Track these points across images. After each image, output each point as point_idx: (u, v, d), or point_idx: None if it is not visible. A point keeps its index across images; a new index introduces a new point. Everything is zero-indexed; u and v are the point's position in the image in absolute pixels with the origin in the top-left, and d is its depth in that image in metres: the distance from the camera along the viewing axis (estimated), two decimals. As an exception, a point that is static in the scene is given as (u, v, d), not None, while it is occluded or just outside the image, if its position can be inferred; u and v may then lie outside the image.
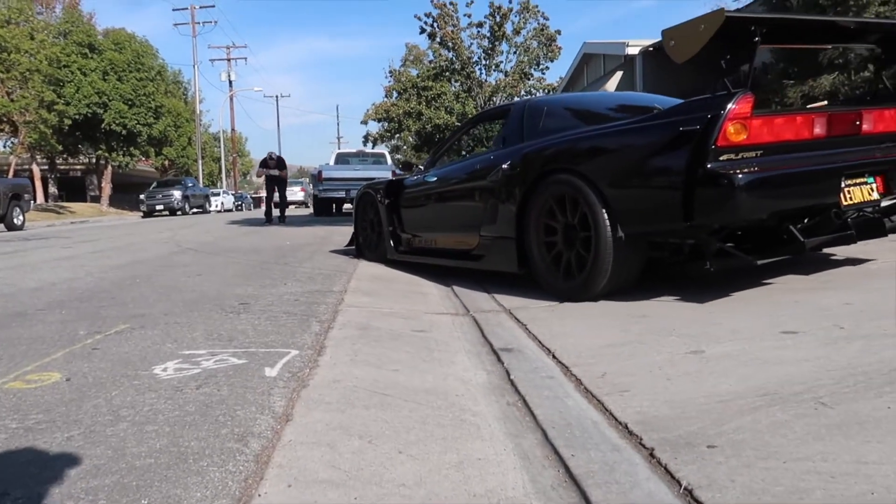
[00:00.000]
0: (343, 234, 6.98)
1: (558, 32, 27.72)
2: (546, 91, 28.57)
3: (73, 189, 42.59)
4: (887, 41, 4.11)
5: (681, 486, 1.51)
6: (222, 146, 46.50)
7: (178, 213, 28.86)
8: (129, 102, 32.28)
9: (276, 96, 56.03)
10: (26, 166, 37.99)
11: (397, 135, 33.50)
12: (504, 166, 4.28)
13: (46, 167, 38.10)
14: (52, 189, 37.94)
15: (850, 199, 3.45)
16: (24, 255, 7.58)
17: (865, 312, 2.84)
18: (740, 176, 3.06)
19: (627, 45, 18.07)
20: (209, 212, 32.71)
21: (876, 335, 2.49)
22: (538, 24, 27.44)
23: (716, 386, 2.13)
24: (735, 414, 1.88)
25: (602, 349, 2.68)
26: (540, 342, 2.87)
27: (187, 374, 2.29)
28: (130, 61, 32.53)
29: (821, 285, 3.56)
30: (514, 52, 27.78)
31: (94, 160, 37.66)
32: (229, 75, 43.88)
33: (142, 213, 29.81)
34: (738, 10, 3.69)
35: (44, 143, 33.19)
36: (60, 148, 34.21)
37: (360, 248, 6.31)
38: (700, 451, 1.66)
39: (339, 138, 65.12)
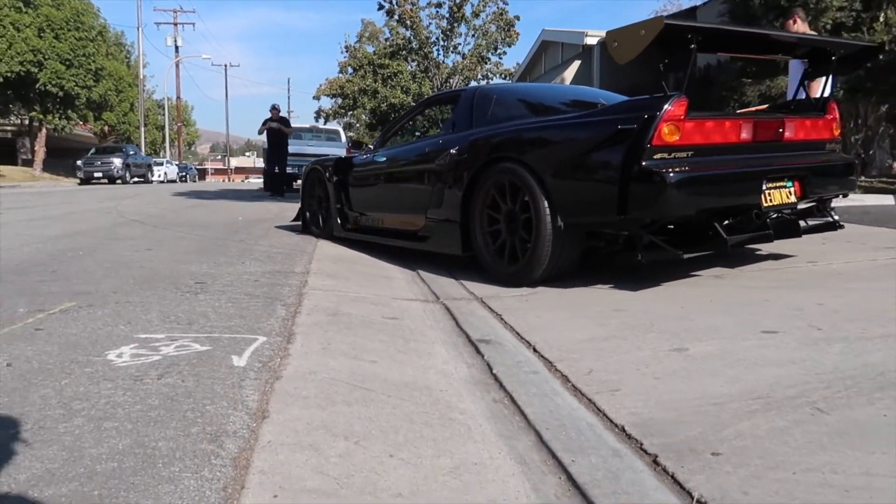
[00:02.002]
0: (295, 210, 6.72)
1: (517, 18, 27.67)
2: (503, 76, 28.53)
3: (2, 152, 40.36)
4: (814, 55, 4.37)
5: (692, 497, 1.44)
6: (166, 114, 44.79)
7: (118, 181, 27.69)
8: (67, 62, 30.65)
9: (225, 65, 54.27)
10: (-49, 125, 35.74)
11: (351, 112, 32.90)
12: (452, 151, 4.38)
13: (-26, 127, 35.94)
14: (-20, 151, 35.82)
15: (771, 201, 3.66)
16: (-49, 221, 7.06)
17: (840, 313, 2.84)
18: (671, 174, 3.24)
19: (586, 35, 18.13)
20: (151, 182, 31.52)
21: (854, 337, 2.49)
22: (497, 8, 27.33)
23: (707, 387, 2.07)
24: (732, 418, 1.82)
25: (583, 344, 2.61)
26: (518, 334, 2.77)
27: (146, 362, 2.09)
28: (69, 19, 30.85)
29: (784, 283, 3.58)
30: (473, 35, 27.58)
31: (26, 122, 35.71)
32: (175, 40, 42.17)
33: (79, 180, 28.47)
34: (675, 17, 3.89)
35: (-29, 101, 31.25)
36: (-10, 107, 32.29)
37: (307, 223, 6.32)
38: (705, 458, 1.59)
39: (289, 112, 63.62)
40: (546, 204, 3.62)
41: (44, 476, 1.34)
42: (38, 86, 30.35)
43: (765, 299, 3.23)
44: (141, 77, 37.62)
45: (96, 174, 27.95)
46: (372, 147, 5.84)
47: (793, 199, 3.78)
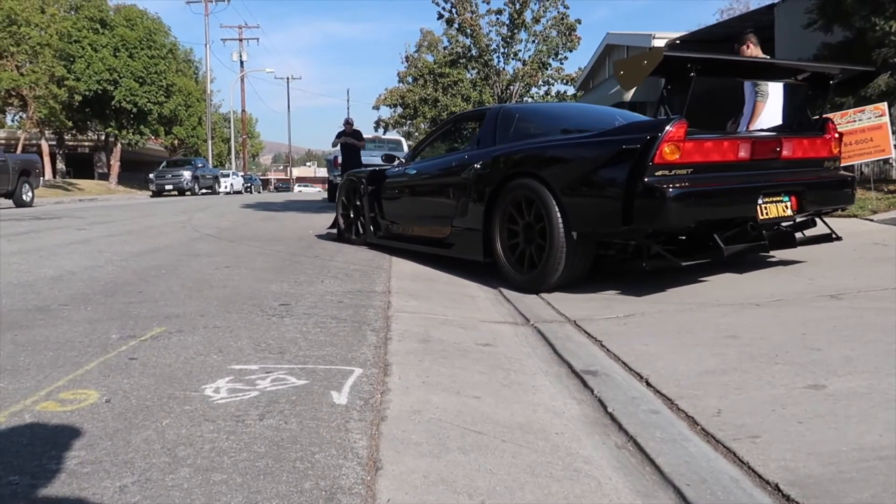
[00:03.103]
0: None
1: (578, 22, 27.22)
2: (564, 82, 28.13)
3: (80, 165, 42.31)
4: (815, 80, 4.64)
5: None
6: (232, 127, 46.09)
7: (188, 193, 28.58)
8: (140, 80, 31.90)
9: (287, 78, 55.43)
10: (35, 141, 37.69)
11: (410, 121, 33.06)
12: (476, 165, 4.73)
13: (55, 143, 37.79)
14: (60, 165, 37.66)
15: (767, 214, 3.93)
16: (39, 237, 7.29)
17: None
18: (671, 189, 3.54)
19: (654, 38, 17.63)
20: (218, 193, 32.41)
21: None
22: (558, 12, 26.96)
23: (862, 435, 1.83)
24: (907, 477, 1.58)
25: (703, 377, 2.38)
26: (627, 365, 2.57)
27: (244, 399, 1.99)
28: (142, 38, 32.11)
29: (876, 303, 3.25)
30: (533, 41, 27.32)
31: (103, 137, 37.35)
32: (241, 55, 43.40)
33: (151, 193, 29.53)
34: (677, 48, 4.29)
35: (53, 118, 32.86)
36: (70, 124, 33.90)
37: (341, 231, 6.78)
38: (893, 533, 1.36)
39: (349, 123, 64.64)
40: (560, 216, 3.92)
41: (157, 543, 1.23)
42: (113, 103, 31.68)
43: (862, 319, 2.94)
44: (208, 92, 38.82)
45: (167, 186, 28.91)
46: (404, 160, 6.24)
47: (789, 212, 4.06)
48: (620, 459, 1.80)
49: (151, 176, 29.93)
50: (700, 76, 3.83)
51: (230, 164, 45.99)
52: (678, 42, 17.25)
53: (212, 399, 1.99)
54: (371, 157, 15.35)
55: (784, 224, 4.25)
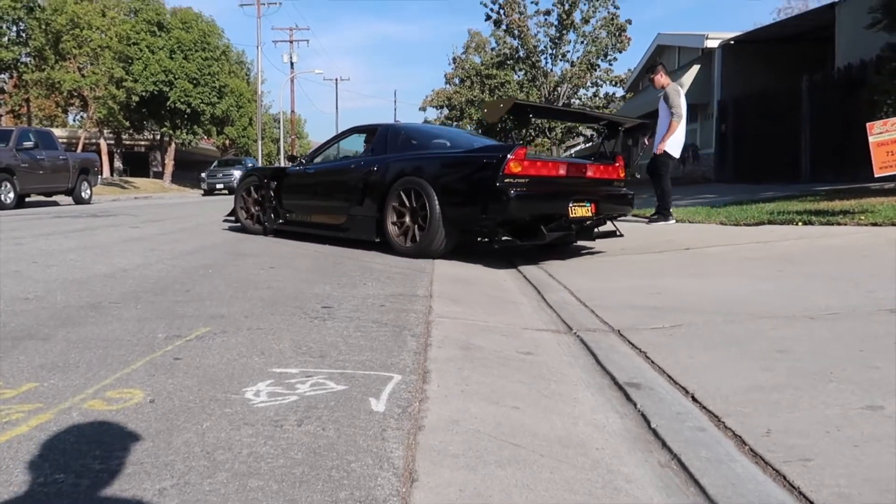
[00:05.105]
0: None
1: (629, 22, 26.79)
2: (614, 83, 27.73)
3: (136, 164, 43.70)
4: (608, 126, 6.69)
5: None
6: (282, 127, 46.93)
7: (238, 192, 29.13)
8: (195, 81, 32.75)
9: (336, 79, 56.18)
10: (94, 140, 39.07)
11: (457, 123, 33.07)
12: (374, 168, 6.27)
13: (113, 142, 39.11)
14: (118, 163, 38.95)
15: (575, 214, 5.51)
16: (94, 234, 7.53)
17: None
18: (514, 192, 5.11)
19: (707, 38, 17.20)
20: (267, 192, 32.92)
21: None
22: (608, 12, 26.57)
23: (925, 462, 1.72)
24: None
25: (751, 393, 2.29)
26: (672, 378, 2.49)
27: (283, 403, 2.00)
28: (197, 40, 32.97)
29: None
30: (582, 42, 26.98)
31: (158, 137, 38.48)
32: (291, 57, 44.10)
33: (202, 191, 30.26)
34: (521, 101, 6.71)
35: (112, 118, 34.02)
36: (127, 124, 35.03)
37: (241, 220, 7.88)
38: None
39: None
40: (438, 206, 5.48)
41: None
42: (168, 103, 32.61)
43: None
44: (259, 93, 39.59)
45: (218, 185, 29.59)
46: (304, 161, 7.51)
47: (590, 214, 5.67)
48: (663, 479, 1.75)
49: (203, 175, 30.68)
50: (535, 117, 5.89)
51: (279, 163, 46.81)
52: (732, 42, 16.80)
53: (252, 402, 2.00)
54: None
55: (586, 222, 5.76)
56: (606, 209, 5.91)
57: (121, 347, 2.62)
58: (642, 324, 3.36)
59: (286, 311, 3.35)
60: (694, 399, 2.29)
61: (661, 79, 7.60)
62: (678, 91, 7.84)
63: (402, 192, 5.78)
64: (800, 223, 6.49)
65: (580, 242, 6.35)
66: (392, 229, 5.88)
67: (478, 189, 5.30)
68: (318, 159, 7.53)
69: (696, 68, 17.80)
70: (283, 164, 8.32)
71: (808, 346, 2.83)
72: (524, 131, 7.04)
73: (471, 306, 3.85)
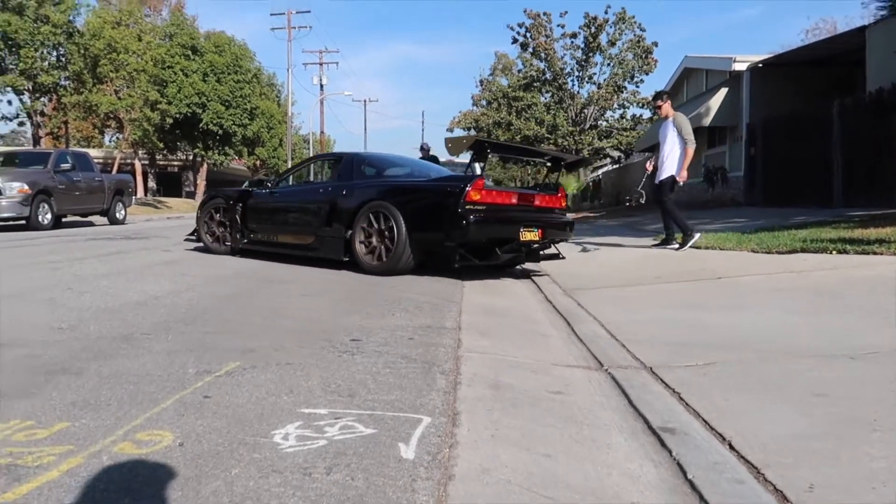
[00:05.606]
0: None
1: (655, 44, 26.84)
2: (640, 105, 27.62)
3: (169, 184, 44.51)
4: (552, 161, 7.46)
5: None
6: (311, 148, 47.50)
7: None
8: (226, 103, 33.37)
9: (365, 101, 56.68)
10: (129, 161, 39.96)
11: (484, 144, 33.16)
12: (343, 192, 6.79)
13: (147, 162, 39.94)
14: (152, 184, 39.72)
15: (525, 237, 6.22)
16: (127, 258, 7.66)
17: None
18: (472, 217, 5.79)
19: (734, 61, 17.03)
20: (295, 212, 33.26)
21: None
22: (634, 35, 26.59)
23: (981, 526, 1.64)
24: None
25: (791, 442, 2.21)
26: (707, 422, 2.42)
27: (312, 448, 1.98)
28: (229, 64, 33.65)
29: None
30: (609, 64, 27.02)
31: (190, 157, 39.21)
32: (321, 79, 44.73)
33: (232, 212, 30.58)
34: (485, 138, 7.11)
35: (146, 139, 34.76)
36: (161, 145, 35.76)
37: (205, 241, 8.27)
38: None
39: (425, 148, 65.44)
40: (405, 227, 6.05)
41: None
42: (201, 125, 33.25)
43: None
44: (289, 115, 40.19)
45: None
46: (269, 185, 8.00)
47: (537, 238, 6.37)
48: (702, 538, 1.69)
49: (233, 195, 31.03)
50: (493, 152, 6.80)
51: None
52: (760, 65, 16.63)
53: (280, 447, 1.99)
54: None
55: (534, 245, 6.47)
56: (551, 234, 6.63)
57: (151, 383, 2.63)
58: (674, 360, 3.29)
59: (315, 345, 3.35)
60: (731, 447, 2.22)
61: (668, 108, 8.03)
62: (687, 119, 8.23)
63: (370, 215, 6.31)
64: (834, 252, 6.33)
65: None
66: (360, 248, 6.39)
67: (442, 214, 5.93)
68: (282, 184, 8.13)
69: (723, 91, 17.62)
70: (244, 188, 8.82)
71: (847, 389, 2.74)
72: (485, 165, 6.85)
73: (500, 339, 3.82)
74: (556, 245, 7.04)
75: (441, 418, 2.30)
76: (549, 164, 7.45)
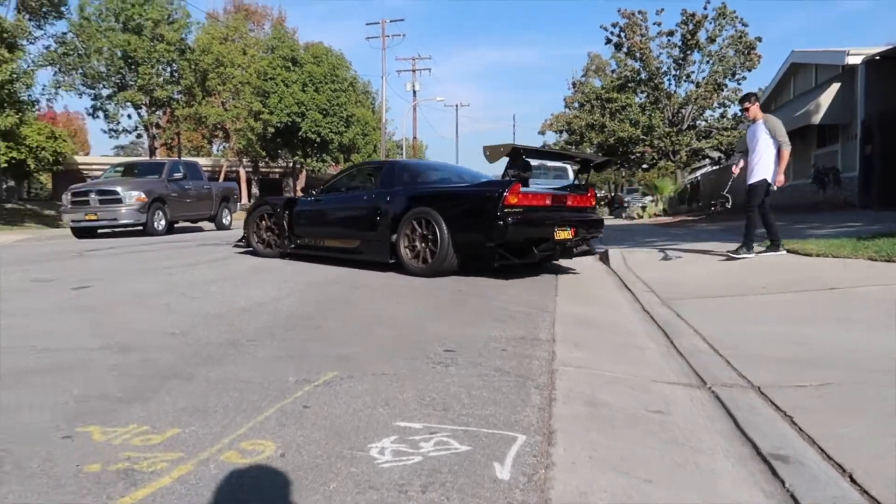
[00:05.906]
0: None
1: (759, 39, 25.48)
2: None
3: (270, 190, 46.50)
4: (581, 162, 7.84)
5: None
6: (404, 153, 48.37)
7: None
8: (324, 112, 34.55)
9: (456, 106, 57.19)
10: (234, 168, 42.12)
11: (576, 147, 32.63)
12: (388, 199, 7.17)
13: (250, 170, 41.95)
14: (255, 190, 41.67)
15: (559, 236, 6.60)
16: (233, 263, 8.04)
17: None
18: (511, 219, 6.12)
19: (848, 54, 15.88)
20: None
21: None
22: (735, 30, 25.36)
23: None
24: None
25: (922, 478, 2.02)
26: (823, 451, 2.26)
27: (408, 464, 2.00)
28: (327, 73, 34.82)
29: None
30: (708, 62, 25.91)
31: (290, 164, 40.85)
32: (414, 86, 45.49)
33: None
34: (520, 145, 6.90)
35: (250, 148, 36.55)
36: (263, 153, 37.50)
37: (253, 245, 8.79)
38: None
39: (513, 147, 65.05)
40: (447, 231, 6.41)
41: None
42: (300, 133, 34.58)
43: None
44: (384, 121, 41.09)
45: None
46: (315, 193, 8.47)
47: (570, 236, 6.76)
48: (821, 581, 1.57)
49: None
50: (528, 157, 6.73)
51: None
52: (877, 58, 15.46)
53: (377, 462, 2.01)
54: (536, 185, 15.27)
55: (567, 243, 6.81)
56: (583, 232, 7.01)
57: (254, 391, 2.74)
58: (784, 380, 3.09)
59: (409, 355, 3.39)
60: (852, 480, 2.06)
61: (756, 110, 7.83)
62: (780, 121, 7.83)
63: (414, 221, 6.69)
64: (968, 261, 5.79)
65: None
66: (405, 252, 6.75)
67: (482, 217, 6.25)
68: (329, 192, 8.50)
69: (835, 86, 16.46)
70: (289, 196, 9.11)
71: None
72: (524, 170, 6.69)
73: (595, 352, 3.72)
74: (589, 242, 7.38)
75: (536, 437, 2.26)
76: (577, 165, 7.86)
